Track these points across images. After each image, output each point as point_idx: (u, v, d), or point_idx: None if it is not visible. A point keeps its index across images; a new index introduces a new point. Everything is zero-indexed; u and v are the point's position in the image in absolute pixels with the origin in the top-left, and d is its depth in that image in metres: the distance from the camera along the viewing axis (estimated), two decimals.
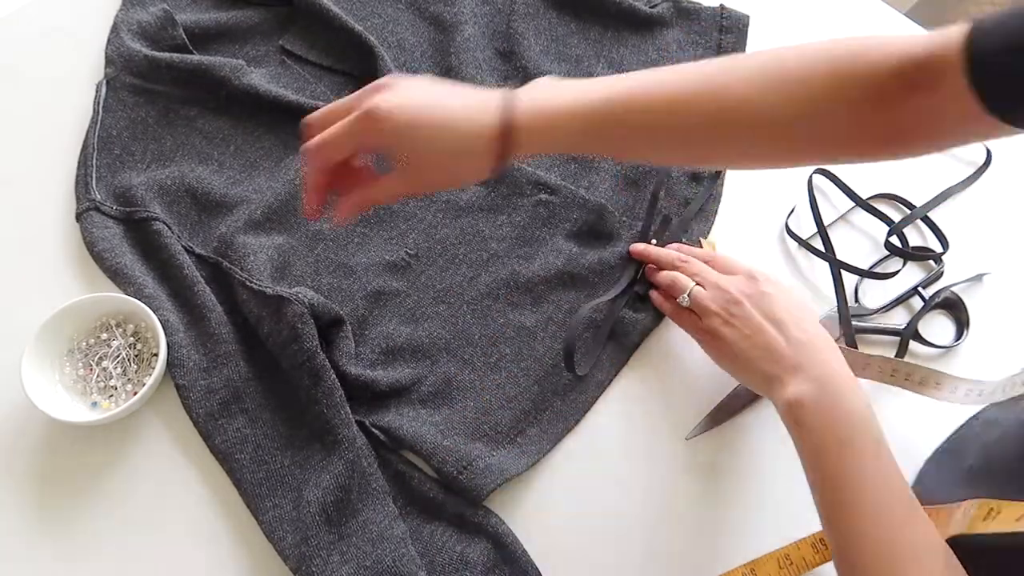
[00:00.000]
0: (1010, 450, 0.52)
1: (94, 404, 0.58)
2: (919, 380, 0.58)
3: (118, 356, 0.59)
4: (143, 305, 0.58)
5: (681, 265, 0.61)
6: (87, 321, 0.60)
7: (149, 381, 0.56)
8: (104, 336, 0.60)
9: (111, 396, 0.58)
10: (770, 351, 0.52)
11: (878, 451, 0.46)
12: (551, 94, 0.48)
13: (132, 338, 0.60)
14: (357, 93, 0.49)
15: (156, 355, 0.58)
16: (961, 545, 0.42)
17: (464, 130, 0.47)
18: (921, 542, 0.43)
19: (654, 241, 0.66)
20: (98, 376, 0.58)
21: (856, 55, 0.45)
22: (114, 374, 0.58)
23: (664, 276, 0.61)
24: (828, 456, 0.46)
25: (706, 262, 0.60)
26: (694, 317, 0.58)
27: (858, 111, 0.45)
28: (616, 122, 0.48)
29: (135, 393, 0.57)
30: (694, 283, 0.58)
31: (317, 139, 0.48)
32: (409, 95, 0.47)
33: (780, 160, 0.51)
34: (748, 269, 0.57)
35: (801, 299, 0.55)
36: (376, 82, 0.49)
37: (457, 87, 0.50)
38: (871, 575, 0.42)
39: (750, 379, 0.54)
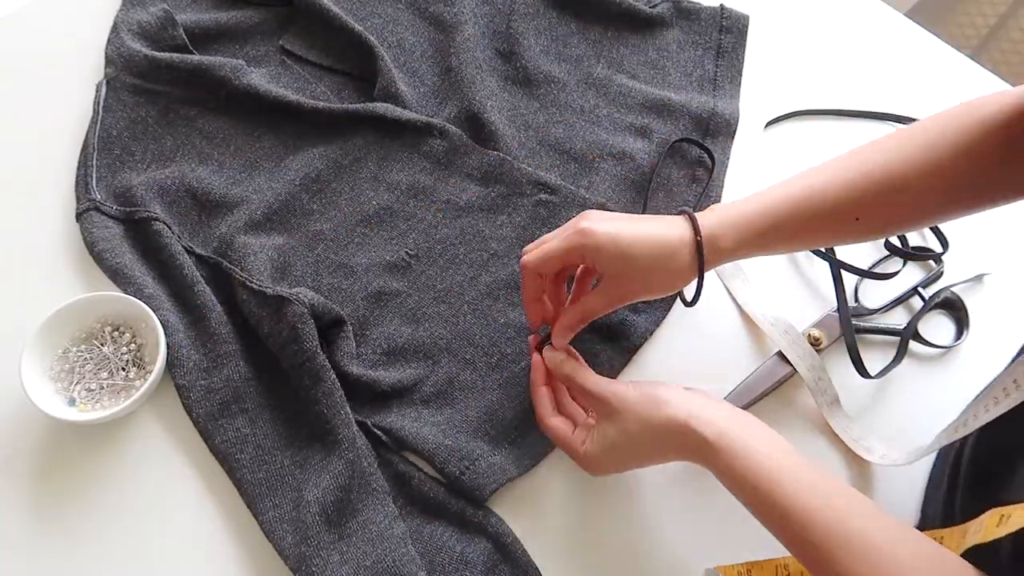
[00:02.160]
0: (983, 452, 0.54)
1: (72, 402, 0.57)
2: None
3: (106, 359, 0.58)
4: (147, 309, 0.58)
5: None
6: (87, 320, 0.60)
7: (142, 388, 0.56)
8: (99, 338, 0.60)
9: (94, 399, 0.57)
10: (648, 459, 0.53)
11: (780, 466, 0.46)
12: (730, 205, 0.54)
13: (130, 343, 0.60)
14: (564, 226, 0.55)
15: (154, 361, 0.58)
16: (981, 555, 0.42)
17: (662, 236, 0.52)
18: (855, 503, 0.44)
19: None
20: (85, 377, 0.58)
21: (974, 114, 0.51)
22: (98, 377, 0.58)
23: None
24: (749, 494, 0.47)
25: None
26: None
27: (984, 167, 0.51)
28: (801, 211, 0.52)
29: (125, 397, 0.57)
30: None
31: (534, 253, 0.55)
32: (611, 217, 0.54)
33: (928, 220, 0.57)
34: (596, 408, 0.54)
35: (648, 403, 0.50)
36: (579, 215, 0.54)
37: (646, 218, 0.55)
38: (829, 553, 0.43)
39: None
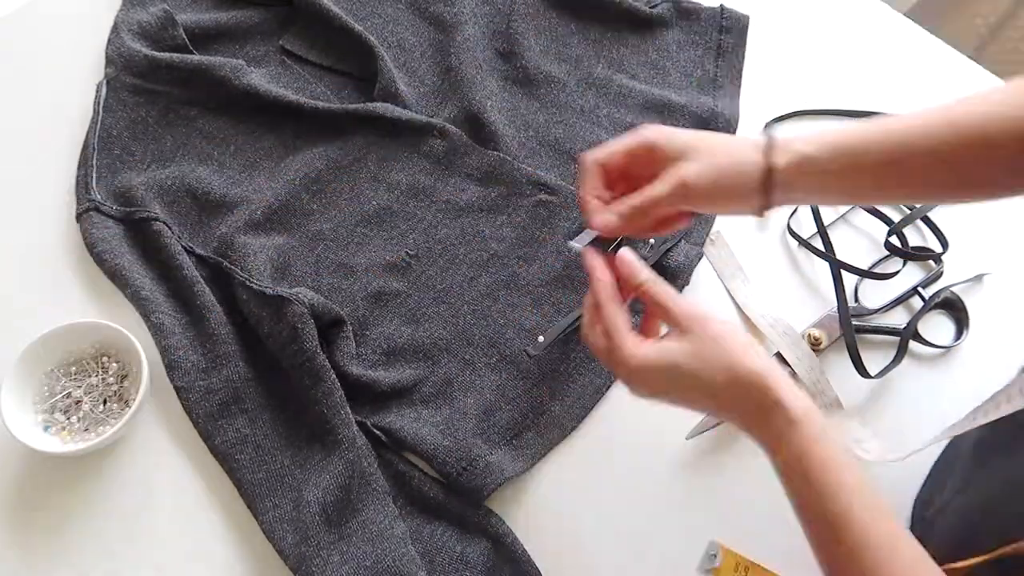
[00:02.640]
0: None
1: (46, 427, 0.56)
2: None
3: (91, 387, 0.58)
4: (138, 345, 0.57)
5: (596, 317, 0.51)
6: (73, 346, 0.59)
7: (118, 424, 0.55)
8: (85, 368, 0.59)
9: (64, 428, 0.57)
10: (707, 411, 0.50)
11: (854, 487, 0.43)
12: (794, 137, 0.50)
13: (117, 373, 0.59)
14: None
15: (137, 391, 0.56)
16: None
17: (735, 146, 0.50)
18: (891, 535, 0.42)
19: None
20: (66, 407, 0.57)
21: None
22: (79, 407, 0.57)
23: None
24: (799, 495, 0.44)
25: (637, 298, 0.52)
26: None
27: None
28: (876, 148, 0.48)
29: (107, 427, 0.56)
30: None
31: (593, 152, 0.52)
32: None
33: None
34: (626, 381, 0.49)
35: (737, 344, 0.46)
36: None
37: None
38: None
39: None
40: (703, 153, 0.50)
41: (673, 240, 0.66)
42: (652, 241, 0.66)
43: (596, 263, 0.51)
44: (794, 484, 0.43)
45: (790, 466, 0.43)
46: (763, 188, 0.49)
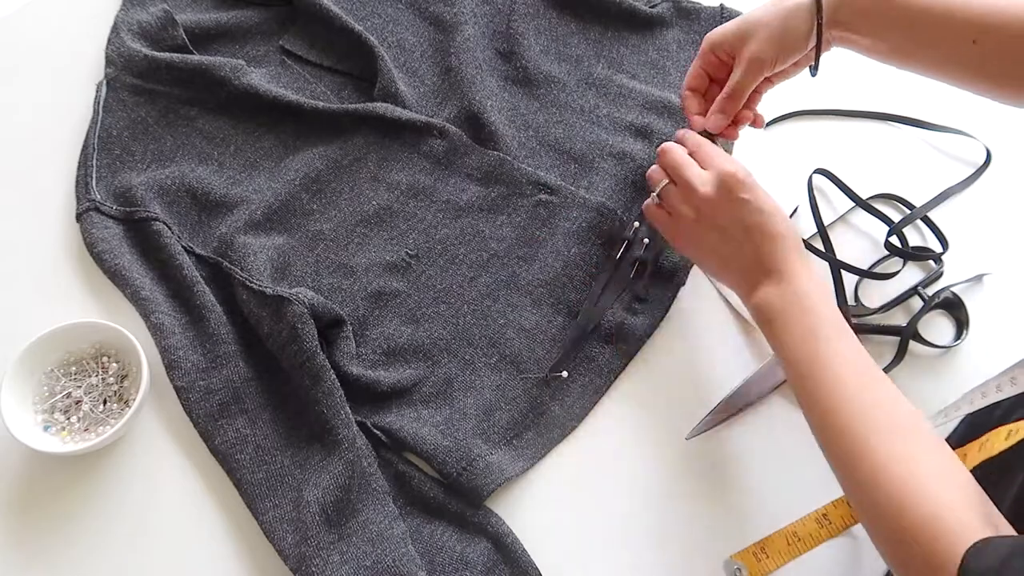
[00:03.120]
0: None
1: (46, 427, 0.56)
2: None
3: (91, 387, 0.58)
4: (138, 345, 0.57)
5: (663, 157, 0.60)
6: (73, 346, 0.59)
7: (110, 431, 0.55)
8: (85, 368, 0.59)
9: (64, 428, 0.56)
10: (737, 259, 0.55)
11: (840, 335, 0.49)
12: None
13: (116, 374, 0.59)
14: None
15: (136, 391, 0.56)
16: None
17: (784, 6, 0.58)
18: (891, 404, 0.46)
19: (646, 240, 0.66)
20: (66, 407, 0.57)
21: None
22: (79, 407, 0.57)
23: (650, 171, 0.62)
24: (795, 345, 0.49)
25: (692, 153, 0.60)
26: (664, 214, 0.60)
27: None
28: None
29: (107, 427, 0.56)
30: (667, 180, 0.59)
31: (686, 78, 0.64)
32: None
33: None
34: (726, 171, 0.56)
35: (773, 204, 0.55)
36: None
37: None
38: (849, 441, 0.45)
39: (721, 277, 0.59)
40: (758, 27, 0.58)
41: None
42: (647, 241, 0.66)
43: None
44: (790, 345, 0.50)
45: (793, 326, 0.50)
46: (817, 33, 0.57)
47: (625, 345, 0.63)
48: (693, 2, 0.82)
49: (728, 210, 0.55)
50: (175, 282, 0.63)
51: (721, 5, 0.82)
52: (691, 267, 0.67)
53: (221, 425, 0.57)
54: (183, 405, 0.58)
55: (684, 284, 0.67)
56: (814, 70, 0.62)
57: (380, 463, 0.56)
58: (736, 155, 0.74)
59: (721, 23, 0.80)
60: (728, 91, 0.60)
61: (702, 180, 0.56)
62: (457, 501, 0.56)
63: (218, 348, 0.59)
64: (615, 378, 0.62)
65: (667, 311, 0.65)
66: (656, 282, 0.66)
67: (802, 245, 0.55)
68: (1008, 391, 0.48)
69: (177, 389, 0.58)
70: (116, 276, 0.63)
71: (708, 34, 0.61)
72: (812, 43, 0.59)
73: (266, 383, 0.60)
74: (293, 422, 0.58)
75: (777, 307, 0.51)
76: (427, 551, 0.54)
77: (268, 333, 0.59)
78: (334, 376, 0.57)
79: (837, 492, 0.59)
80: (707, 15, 0.82)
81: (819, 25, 0.57)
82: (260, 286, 0.60)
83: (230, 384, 0.58)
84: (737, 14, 0.81)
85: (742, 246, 0.54)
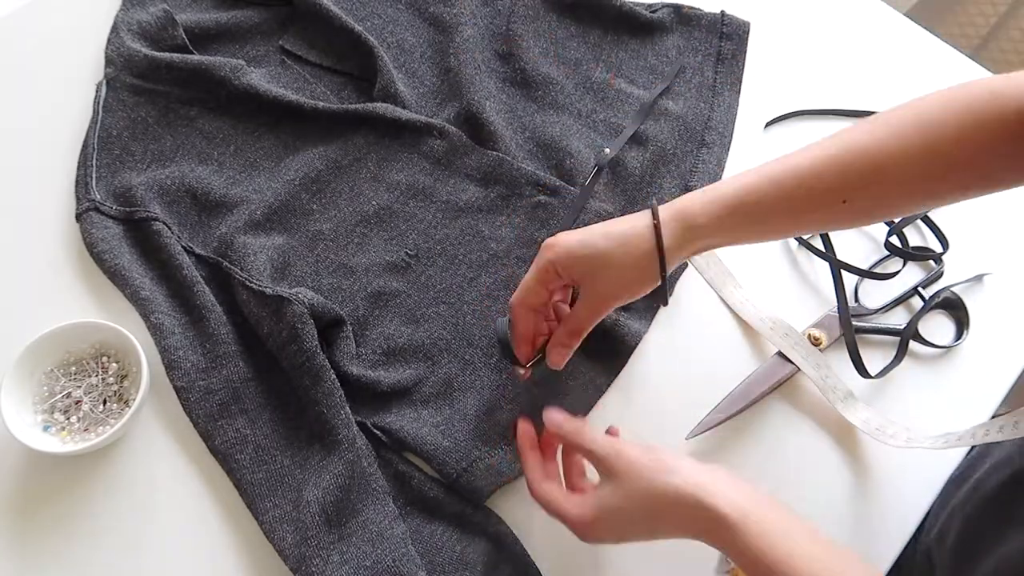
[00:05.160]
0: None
1: (46, 427, 0.56)
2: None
3: (91, 387, 0.57)
4: (138, 345, 0.57)
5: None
6: (73, 346, 0.59)
7: (109, 431, 0.55)
8: (85, 368, 0.58)
9: (64, 428, 0.56)
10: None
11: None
12: (708, 187, 0.52)
13: (115, 376, 0.58)
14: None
15: (136, 391, 0.56)
16: None
17: (626, 226, 0.52)
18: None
19: None
20: (66, 407, 0.57)
21: (993, 94, 0.47)
22: (79, 407, 0.57)
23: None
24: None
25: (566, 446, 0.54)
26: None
27: (994, 149, 0.47)
28: (784, 190, 0.50)
29: (107, 427, 0.56)
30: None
31: (515, 295, 0.54)
32: (579, 229, 0.54)
33: (918, 204, 0.52)
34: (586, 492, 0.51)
35: (654, 468, 0.47)
36: None
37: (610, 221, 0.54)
38: None
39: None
40: (608, 264, 0.51)
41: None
42: None
43: (524, 442, 0.54)
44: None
45: (743, 561, 0.44)
46: (661, 273, 0.51)
47: (623, 347, 0.63)
48: (694, 8, 0.82)
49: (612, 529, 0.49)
50: (175, 282, 0.63)
51: (722, 11, 0.81)
52: (677, 278, 0.67)
53: (221, 425, 0.57)
54: (183, 405, 0.58)
55: (671, 294, 0.66)
56: (664, 302, 0.56)
57: (380, 463, 0.56)
58: (736, 156, 0.74)
59: (722, 29, 0.80)
60: (572, 328, 0.54)
61: (568, 514, 0.49)
62: (457, 501, 0.56)
63: (218, 348, 0.59)
64: (614, 378, 0.62)
65: (657, 310, 0.66)
66: None
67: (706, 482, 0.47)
68: (1009, 434, 0.48)
69: (177, 389, 0.58)
70: (116, 276, 0.63)
71: (552, 251, 0.52)
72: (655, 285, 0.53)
73: (266, 383, 0.60)
74: (293, 422, 0.58)
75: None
76: (427, 551, 0.54)
77: (268, 333, 0.59)
78: (334, 376, 0.57)
79: (837, 491, 0.59)
80: (707, 21, 0.81)
81: (663, 276, 0.52)
82: (260, 286, 0.60)
83: (230, 384, 0.58)
84: (738, 20, 0.81)
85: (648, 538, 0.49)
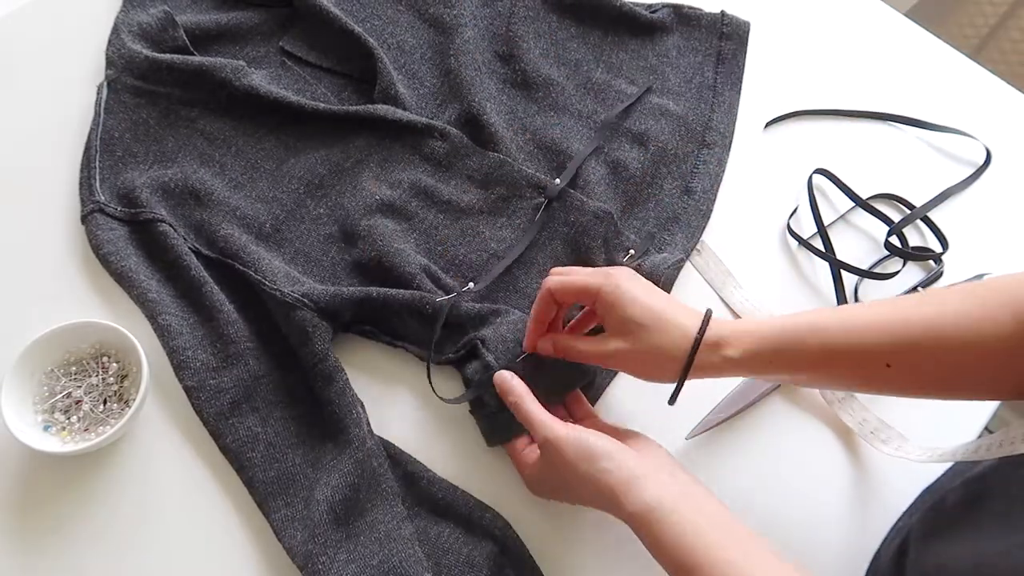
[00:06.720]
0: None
1: (46, 427, 0.56)
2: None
3: (91, 387, 0.57)
4: (138, 345, 0.57)
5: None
6: (73, 346, 0.59)
7: (110, 431, 0.54)
8: (85, 368, 0.58)
9: (64, 428, 0.56)
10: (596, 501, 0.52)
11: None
12: (755, 320, 0.54)
13: (115, 376, 0.58)
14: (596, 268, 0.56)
15: (133, 399, 0.56)
16: None
17: (672, 318, 0.51)
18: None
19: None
20: (66, 407, 0.57)
21: None
22: (79, 407, 0.57)
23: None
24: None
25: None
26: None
27: None
28: (827, 340, 0.49)
29: (107, 427, 0.56)
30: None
31: (558, 279, 0.55)
32: (640, 280, 0.54)
33: (968, 390, 0.50)
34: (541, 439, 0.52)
35: (579, 465, 0.50)
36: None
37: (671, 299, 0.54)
38: None
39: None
40: (635, 338, 0.51)
41: (655, 249, 0.67)
42: (632, 251, 0.66)
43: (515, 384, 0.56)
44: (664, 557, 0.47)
45: (654, 553, 0.47)
46: (681, 376, 0.52)
47: None
48: (694, 8, 0.82)
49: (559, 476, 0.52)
50: (183, 282, 0.62)
51: (722, 12, 0.81)
52: (674, 277, 0.67)
53: (232, 424, 0.57)
54: (193, 405, 0.58)
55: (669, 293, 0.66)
56: (672, 400, 0.54)
57: (390, 464, 0.56)
58: (736, 156, 0.74)
59: (722, 29, 0.80)
60: (574, 351, 0.55)
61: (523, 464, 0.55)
62: (465, 503, 0.56)
63: (228, 347, 0.59)
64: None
65: None
66: None
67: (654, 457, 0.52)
68: (996, 453, 0.48)
69: (187, 389, 0.58)
70: (122, 278, 0.62)
71: (608, 283, 0.53)
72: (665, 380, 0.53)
73: (278, 381, 0.60)
74: (304, 420, 0.58)
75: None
76: (433, 552, 0.54)
77: (287, 333, 0.60)
78: (346, 377, 0.57)
79: (836, 491, 0.59)
80: (708, 21, 0.81)
81: (679, 386, 0.52)
82: (272, 288, 0.60)
83: (241, 382, 0.58)
84: (738, 20, 0.81)
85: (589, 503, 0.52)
